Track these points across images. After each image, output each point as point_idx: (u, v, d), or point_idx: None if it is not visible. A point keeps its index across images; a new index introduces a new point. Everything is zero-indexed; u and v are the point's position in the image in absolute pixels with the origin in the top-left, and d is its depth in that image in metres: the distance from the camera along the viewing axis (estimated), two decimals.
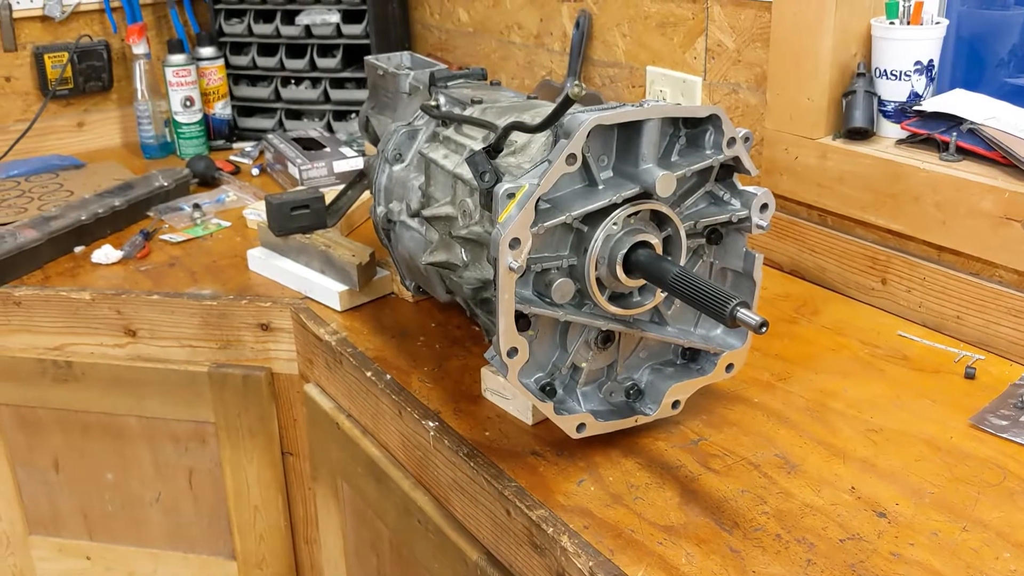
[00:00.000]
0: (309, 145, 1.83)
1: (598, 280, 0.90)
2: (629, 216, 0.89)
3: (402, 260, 1.19)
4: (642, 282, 0.91)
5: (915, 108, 1.25)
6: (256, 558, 1.51)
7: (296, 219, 1.29)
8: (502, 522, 0.93)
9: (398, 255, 1.20)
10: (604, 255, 0.89)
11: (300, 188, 1.68)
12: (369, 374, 1.15)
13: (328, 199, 1.33)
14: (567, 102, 0.85)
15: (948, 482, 0.91)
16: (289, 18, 2.00)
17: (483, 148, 0.92)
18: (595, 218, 0.88)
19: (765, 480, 0.92)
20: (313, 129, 1.98)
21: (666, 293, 0.92)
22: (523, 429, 1.02)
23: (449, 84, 1.24)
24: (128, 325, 1.41)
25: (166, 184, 1.72)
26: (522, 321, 0.89)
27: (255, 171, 1.91)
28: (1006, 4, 1.35)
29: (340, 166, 1.75)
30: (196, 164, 1.82)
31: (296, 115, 2.08)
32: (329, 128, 2.03)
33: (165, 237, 1.58)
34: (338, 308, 1.30)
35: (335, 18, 1.97)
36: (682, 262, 0.93)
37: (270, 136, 1.90)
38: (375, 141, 1.35)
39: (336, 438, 1.27)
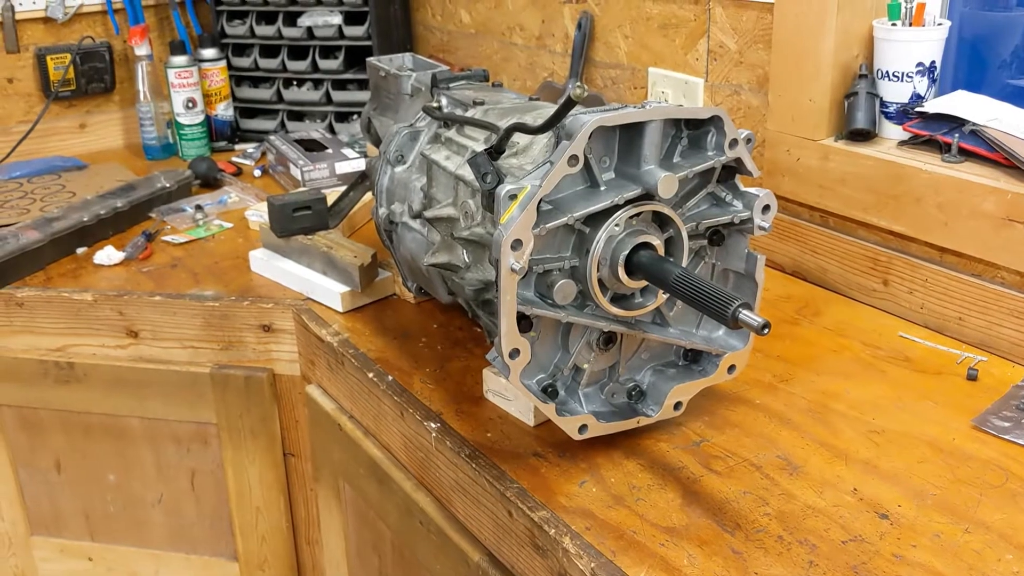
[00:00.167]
0: (311, 146, 1.84)
1: (600, 281, 0.90)
2: (631, 217, 0.89)
3: (404, 261, 1.19)
4: (644, 283, 0.91)
5: (917, 109, 1.25)
6: (258, 559, 1.51)
7: (298, 220, 1.29)
8: (504, 523, 0.93)
9: (400, 256, 1.20)
10: (606, 256, 0.89)
11: (302, 189, 1.68)
12: (371, 375, 1.15)
13: (330, 200, 1.34)
14: (569, 103, 0.85)
15: (950, 484, 0.91)
16: (291, 20, 2.01)
17: (485, 149, 0.92)
18: (597, 219, 0.88)
19: (767, 481, 0.92)
20: (315, 130, 1.98)
21: (668, 294, 0.92)
22: (525, 430, 1.02)
23: (451, 85, 1.24)
24: (130, 326, 1.41)
25: (168, 185, 1.72)
26: (524, 322, 0.89)
27: (257, 172, 1.91)
28: (1008, 5, 1.35)
29: (342, 167, 1.75)
30: (198, 165, 1.83)
31: (298, 116, 2.08)
32: (331, 129, 2.03)
33: (167, 238, 1.59)
34: (340, 309, 1.30)
35: (337, 20, 1.97)
36: (684, 263, 0.93)
37: (272, 137, 1.90)
38: (377, 142, 1.35)
39: (338, 439, 1.27)
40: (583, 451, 0.97)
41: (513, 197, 0.84)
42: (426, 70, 1.30)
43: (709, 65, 1.47)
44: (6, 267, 1.43)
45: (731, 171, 0.95)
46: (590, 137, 0.85)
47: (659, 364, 1.00)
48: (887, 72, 1.26)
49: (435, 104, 1.18)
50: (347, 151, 1.81)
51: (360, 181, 1.36)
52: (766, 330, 0.77)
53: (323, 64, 2.01)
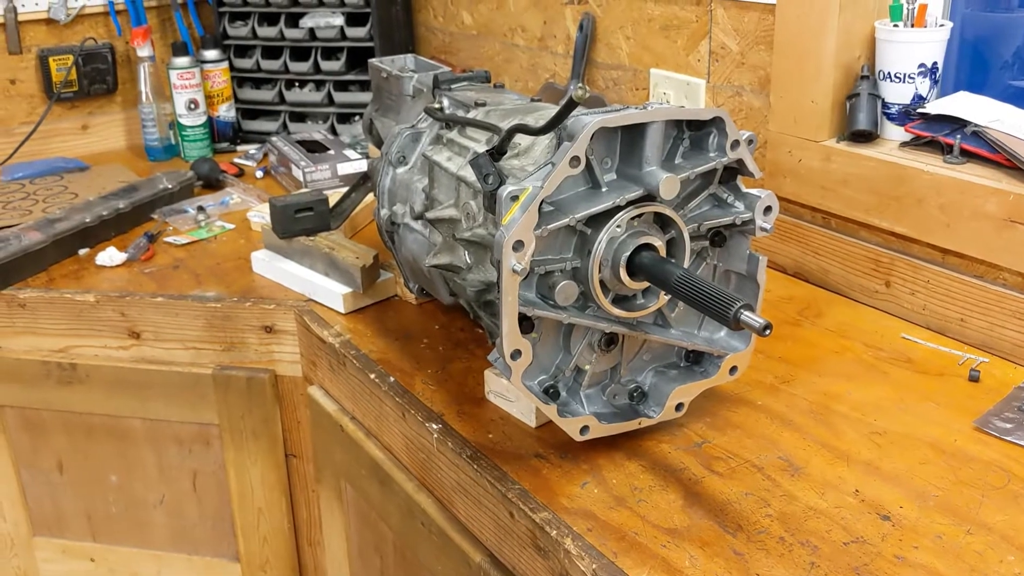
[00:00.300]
0: (313, 147, 1.84)
1: (602, 282, 0.90)
2: (633, 219, 0.89)
3: (406, 262, 1.19)
4: (646, 284, 0.91)
5: (919, 111, 1.25)
6: (260, 560, 1.51)
7: (300, 221, 1.29)
8: (505, 524, 0.93)
9: (402, 257, 1.20)
10: (608, 257, 0.89)
11: (304, 190, 1.68)
12: (373, 376, 1.15)
13: (332, 201, 1.34)
14: (571, 105, 0.85)
15: (952, 485, 0.91)
16: (293, 21, 2.01)
17: (487, 151, 0.92)
18: (599, 220, 0.88)
19: (769, 483, 0.92)
20: (317, 131, 1.98)
21: (670, 295, 0.92)
22: (526, 432, 1.02)
23: (453, 87, 1.24)
24: (132, 327, 1.41)
25: (170, 186, 1.73)
26: (525, 323, 0.89)
27: (259, 173, 1.91)
28: (1010, 6, 1.35)
29: (344, 168, 1.75)
30: (200, 167, 1.83)
31: (300, 117, 2.08)
32: (333, 131, 2.03)
33: (169, 239, 1.59)
34: (342, 310, 1.30)
35: (339, 21, 1.97)
36: (686, 264, 0.93)
37: (274, 138, 1.90)
38: (379, 144, 1.35)
39: (340, 440, 1.27)
40: (585, 452, 0.97)
41: (515, 198, 0.84)
42: (428, 71, 1.30)
43: (711, 66, 1.47)
44: (8, 268, 1.43)
45: (733, 172, 0.95)
46: (592, 138, 0.85)
47: (661, 365, 1.00)
48: (889, 73, 1.26)
49: (437, 105, 1.18)
50: (349, 152, 1.81)
51: (362, 182, 1.37)
52: (768, 331, 0.77)
53: (325, 65, 2.01)
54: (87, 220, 1.56)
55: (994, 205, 1.12)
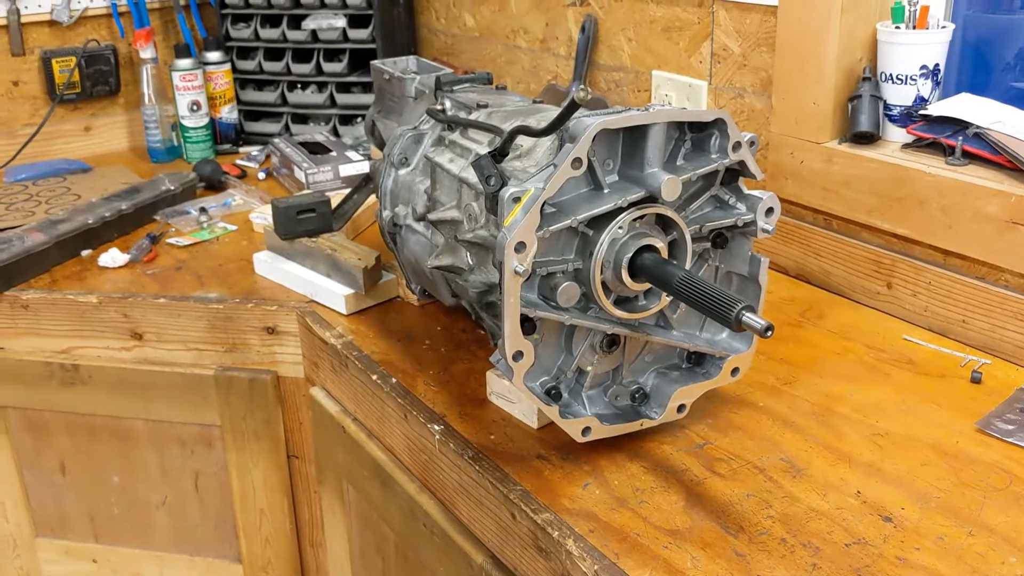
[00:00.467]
0: (315, 149, 1.84)
1: (603, 284, 0.90)
2: (634, 220, 0.89)
3: (408, 264, 1.19)
4: (647, 286, 0.91)
5: (921, 112, 1.25)
6: (262, 561, 1.51)
7: (302, 223, 1.29)
8: (507, 526, 0.93)
9: (404, 259, 1.20)
10: (609, 259, 0.89)
11: (306, 192, 1.69)
12: (375, 377, 1.15)
13: (334, 203, 1.34)
14: (573, 106, 0.85)
15: (954, 486, 0.91)
16: (296, 23, 2.01)
17: (489, 152, 0.92)
18: (600, 222, 0.88)
19: (770, 484, 0.92)
20: (319, 133, 1.98)
21: (671, 297, 0.92)
22: (528, 433, 1.02)
23: (455, 88, 1.24)
24: (135, 328, 1.41)
25: (173, 188, 1.73)
26: (527, 325, 0.89)
27: (261, 175, 1.91)
28: (1012, 8, 1.35)
29: (346, 170, 1.75)
30: (202, 168, 1.83)
31: (302, 119, 2.08)
32: (335, 132, 2.03)
33: (171, 241, 1.59)
34: (344, 311, 1.31)
35: (341, 22, 1.98)
36: (687, 266, 0.93)
37: (276, 140, 1.91)
38: (381, 145, 1.35)
39: (342, 441, 1.27)
40: (586, 453, 0.97)
41: (517, 200, 0.84)
42: (430, 73, 1.30)
43: (713, 68, 1.47)
44: (11, 269, 1.44)
45: (735, 174, 0.96)
46: (594, 140, 0.85)
47: (662, 367, 1.00)
48: (891, 75, 1.26)
49: (439, 107, 1.18)
50: (351, 154, 1.81)
51: (364, 184, 1.37)
52: (769, 333, 0.77)
53: (327, 67, 2.01)
54: (90, 221, 1.56)
55: (996, 207, 1.12)
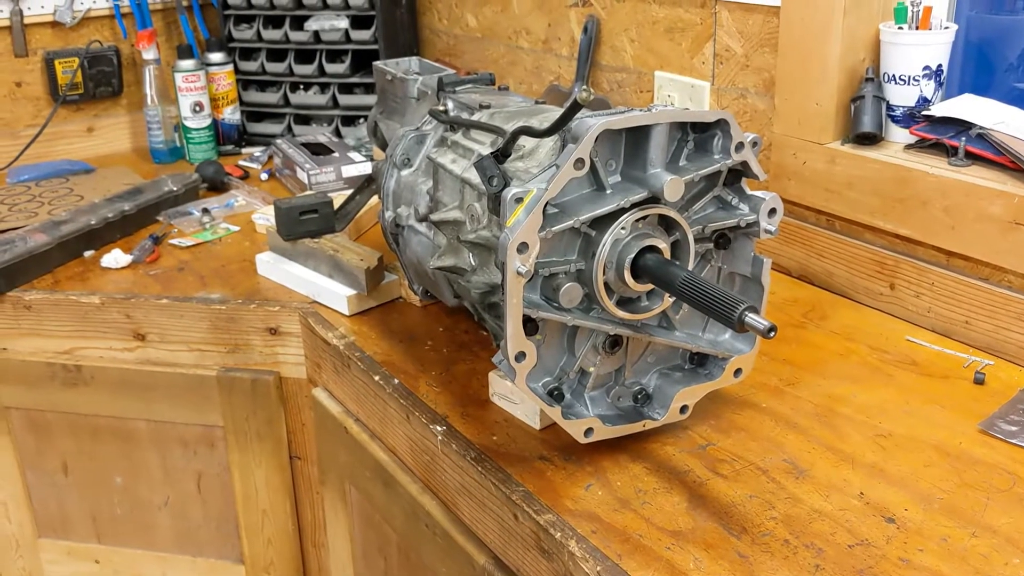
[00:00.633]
0: (318, 150, 1.84)
1: (606, 284, 0.90)
2: (637, 221, 0.89)
3: (410, 264, 1.19)
4: (650, 287, 0.91)
5: (924, 113, 1.25)
6: (264, 562, 1.51)
7: (305, 223, 1.29)
8: (510, 527, 0.93)
9: (406, 259, 1.20)
10: (612, 259, 0.89)
11: (309, 193, 1.68)
12: (377, 378, 1.15)
13: (336, 204, 1.34)
14: (575, 107, 0.85)
15: (957, 488, 0.91)
16: (298, 24, 2.01)
17: (491, 153, 0.92)
18: (603, 223, 0.88)
19: (773, 485, 0.92)
20: (322, 134, 1.98)
21: (674, 298, 0.92)
22: (531, 434, 1.02)
23: (457, 89, 1.24)
24: (137, 329, 1.41)
25: (175, 189, 1.73)
26: (530, 325, 0.89)
27: (264, 176, 1.91)
28: (1015, 9, 1.35)
29: (348, 171, 1.75)
30: (205, 169, 1.83)
31: (305, 120, 2.08)
32: (338, 133, 2.03)
33: (174, 241, 1.59)
34: (346, 312, 1.31)
35: (344, 23, 1.98)
36: (690, 267, 0.93)
37: (279, 141, 1.91)
38: (383, 146, 1.35)
39: (344, 442, 1.27)
40: (589, 454, 0.97)
41: (519, 200, 0.84)
42: (432, 74, 1.30)
43: (715, 69, 1.47)
44: (14, 270, 1.44)
45: (737, 174, 0.95)
46: (596, 140, 0.85)
47: (665, 367, 1.00)
48: (893, 76, 1.26)
49: (441, 108, 1.18)
50: (353, 155, 1.81)
51: (366, 184, 1.37)
52: (772, 333, 0.77)
53: (330, 68, 2.01)
54: (92, 222, 1.56)
55: (999, 207, 1.12)
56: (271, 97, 2.08)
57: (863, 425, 1.01)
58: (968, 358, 1.14)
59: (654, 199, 0.89)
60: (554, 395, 0.93)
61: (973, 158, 1.18)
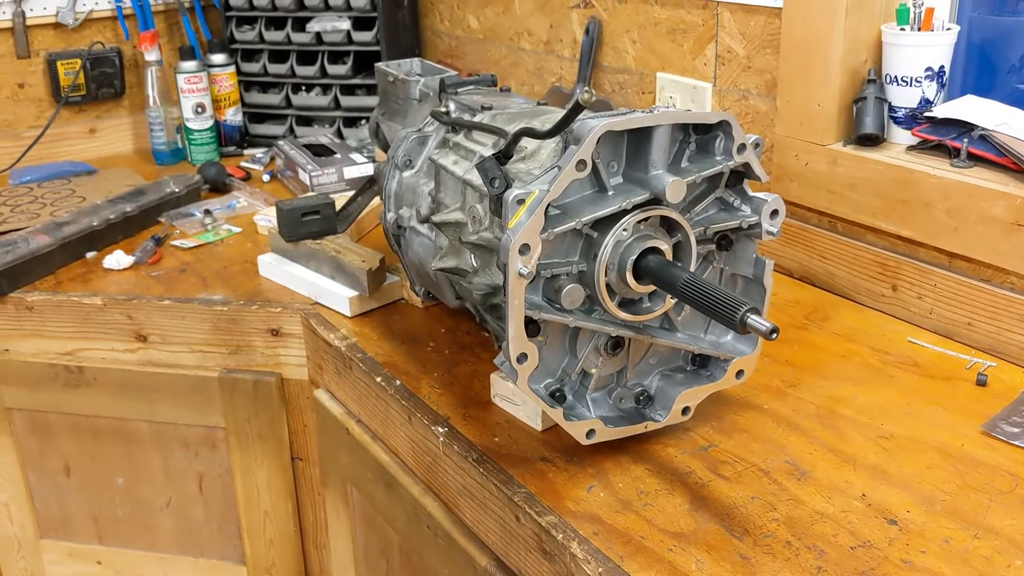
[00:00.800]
0: (320, 151, 1.84)
1: (608, 286, 0.90)
2: (639, 222, 0.89)
3: (412, 266, 1.19)
4: (652, 288, 0.91)
5: (926, 114, 1.25)
6: (266, 563, 1.51)
7: (306, 225, 1.29)
8: (511, 528, 0.93)
9: (408, 261, 1.20)
10: (614, 261, 0.89)
11: (311, 194, 1.69)
12: (379, 380, 1.15)
13: (338, 205, 1.34)
14: (577, 108, 0.85)
15: (959, 489, 0.90)
16: (300, 25, 2.01)
17: (493, 154, 0.92)
18: (605, 224, 0.88)
19: (775, 487, 0.92)
20: (324, 135, 1.98)
21: (676, 299, 0.92)
22: (532, 435, 1.02)
23: (459, 90, 1.24)
24: (139, 330, 1.42)
25: (177, 190, 1.73)
26: (532, 327, 0.89)
27: (266, 177, 1.92)
28: (1017, 10, 1.35)
29: (350, 172, 1.76)
30: (207, 170, 1.83)
31: (307, 121, 2.08)
32: (339, 134, 2.03)
33: (176, 243, 1.59)
34: (348, 314, 1.31)
35: (346, 25, 1.98)
36: (692, 268, 0.93)
37: (281, 142, 1.91)
38: (385, 147, 1.35)
39: (346, 443, 1.27)
40: (590, 456, 0.97)
41: (521, 202, 0.84)
42: (434, 75, 1.30)
43: (717, 70, 1.47)
44: (16, 271, 1.44)
45: (739, 176, 0.95)
46: (598, 142, 0.85)
47: (667, 369, 1.00)
48: (896, 77, 1.26)
49: (443, 109, 1.18)
50: (355, 156, 1.81)
51: (368, 186, 1.37)
52: (774, 335, 0.77)
53: (332, 69, 2.01)
54: (94, 223, 1.56)
55: (1001, 209, 1.12)
56: (273, 98, 2.08)
57: (865, 427, 1.01)
58: (970, 360, 1.14)
59: (656, 200, 0.89)
60: (556, 396, 0.93)
61: (975, 159, 1.18)
